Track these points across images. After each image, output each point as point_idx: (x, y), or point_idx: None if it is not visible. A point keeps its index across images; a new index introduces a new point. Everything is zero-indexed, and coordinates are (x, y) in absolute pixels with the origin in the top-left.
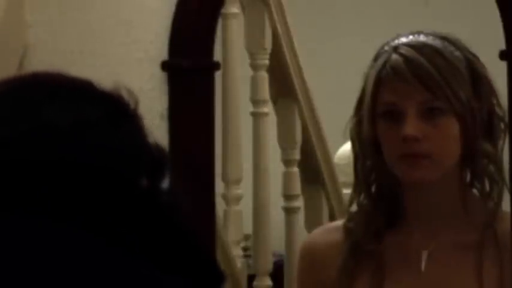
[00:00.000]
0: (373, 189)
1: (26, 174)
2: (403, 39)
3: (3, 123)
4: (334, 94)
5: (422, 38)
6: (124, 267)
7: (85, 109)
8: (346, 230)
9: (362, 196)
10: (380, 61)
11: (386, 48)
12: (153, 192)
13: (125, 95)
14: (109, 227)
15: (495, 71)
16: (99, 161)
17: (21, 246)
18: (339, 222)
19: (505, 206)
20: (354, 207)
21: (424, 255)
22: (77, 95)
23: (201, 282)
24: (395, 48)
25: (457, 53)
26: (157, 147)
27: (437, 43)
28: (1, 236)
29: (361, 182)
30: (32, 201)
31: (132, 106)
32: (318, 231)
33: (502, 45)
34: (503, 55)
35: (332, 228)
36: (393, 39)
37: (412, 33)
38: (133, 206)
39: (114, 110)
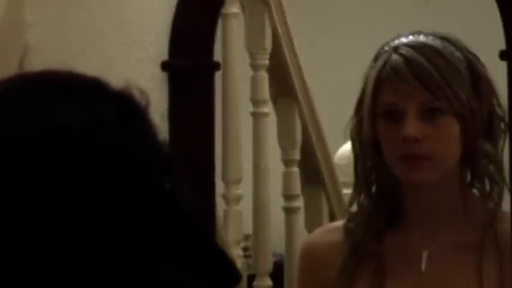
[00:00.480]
0: (373, 189)
1: (38, 173)
2: (403, 40)
3: (13, 122)
4: (334, 94)
5: (422, 38)
6: (141, 268)
7: (96, 109)
8: (346, 230)
9: (362, 196)
10: (380, 61)
11: (386, 48)
12: (168, 192)
13: (135, 93)
14: (126, 228)
15: (495, 71)
16: (112, 161)
17: (32, 247)
18: (339, 223)
19: (505, 206)
20: (354, 208)
21: (425, 255)
22: (87, 94)
23: (217, 280)
24: (396, 49)
25: (457, 53)
26: (167, 146)
27: (437, 43)
28: (13, 237)
29: (361, 182)
30: (46, 201)
31: (142, 104)
32: (318, 232)
33: (502, 45)
34: (503, 55)
35: (332, 229)
36: (393, 40)
37: (412, 34)
38: (149, 205)
39: (125, 109)
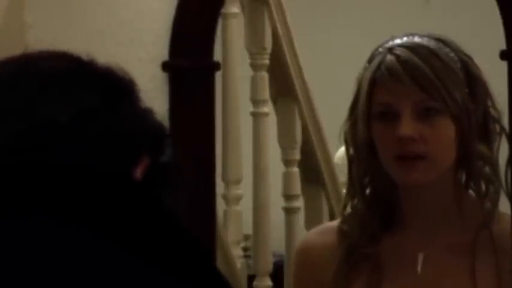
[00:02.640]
0: (367, 191)
1: (30, 177)
2: (398, 41)
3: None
4: (334, 94)
5: (417, 39)
6: (127, 268)
7: (81, 98)
8: (341, 232)
9: (356, 199)
10: (375, 62)
11: (380, 49)
12: (156, 194)
13: (119, 73)
14: (112, 228)
15: (495, 71)
16: (98, 159)
17: (24, 248)
18: (334, 223)
19: (502, 207)
20: (349, 209)
21: (420, 257)
22: (71, 81)
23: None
24: (390, 49)
25: (452, 54)
26: (157, 123)
27: (432, 44)
28: (5, 237)
29: (355, 185)
30: (37, 203)
31: (127, 84)
32: (313, 232)
33: (502, 45)
34: (503, 55)
35: (328, 229)
36: (387, 41)
37: (407, 35)
38: (136, 207)
39: (110, 92)
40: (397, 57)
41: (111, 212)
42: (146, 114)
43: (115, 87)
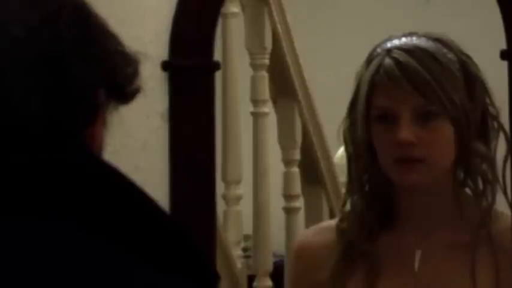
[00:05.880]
0: (366, 189)
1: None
2: (396, 42)
3: None
4: (334, 94)
5: (415, 40)
6: (119, 266)
7: (30, 80)
8: (339, 230)
9: (355, 196)
10: (373, 65)
11: (379, 50)
12: (142, 192)
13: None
14: (103, 225)
15: (495, 71)
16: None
17: (20, 246)
18: (331, 222)
19: (500, 206)
20: (347, 208)
21: (418, 255)
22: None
23: (195, 281)
24: (389, 52)
25: (450, 55)
26: (111, 63)
27: (430, 45)
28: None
29: (354, 183)
30: (36, 202)
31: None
32: (310, 231)
33: (502, 45)
34: (504, 55)
35: (324, 228)
36: (386, 41)
37: (405, 35)
38: (128, 204)
39: (55, 69)
40: (396, 61)
41: (103, 210)
42: (97, 59)
43: (58, 62)
